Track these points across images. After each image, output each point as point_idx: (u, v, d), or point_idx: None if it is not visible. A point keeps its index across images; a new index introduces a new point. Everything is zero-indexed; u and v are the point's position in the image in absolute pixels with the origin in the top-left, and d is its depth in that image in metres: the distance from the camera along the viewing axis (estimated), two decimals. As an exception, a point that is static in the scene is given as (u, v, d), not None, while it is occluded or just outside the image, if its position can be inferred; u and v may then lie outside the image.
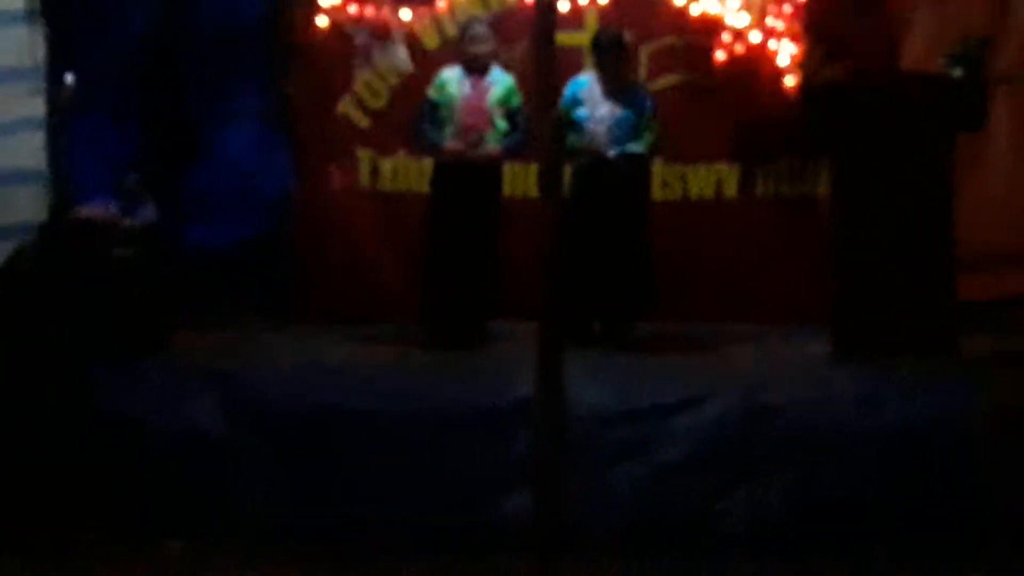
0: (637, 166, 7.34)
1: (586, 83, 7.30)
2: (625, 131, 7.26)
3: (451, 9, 8.12)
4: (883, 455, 5.84)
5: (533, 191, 7.58)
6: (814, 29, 7.77)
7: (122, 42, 8.28)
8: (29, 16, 6.99)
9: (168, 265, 7.30)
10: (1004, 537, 5.60)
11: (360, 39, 8.01)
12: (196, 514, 6.08)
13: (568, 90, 7.12)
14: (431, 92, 7.43)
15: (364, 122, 8.41)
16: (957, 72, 6.71)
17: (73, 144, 7.29)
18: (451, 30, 7.95)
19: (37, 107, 7.06)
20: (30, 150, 7.00)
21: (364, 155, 8.46)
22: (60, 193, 7.12)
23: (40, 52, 7.06)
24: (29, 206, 6.96)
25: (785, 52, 7.73)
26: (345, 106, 8.39)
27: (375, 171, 8.45)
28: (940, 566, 5.47)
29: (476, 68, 7.39)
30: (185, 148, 8.42)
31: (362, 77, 8.29)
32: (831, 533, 5.73)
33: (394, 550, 5.74)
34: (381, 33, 7.95)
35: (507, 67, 7.66)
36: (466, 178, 7.25)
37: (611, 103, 7.28)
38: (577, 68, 7.37)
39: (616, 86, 7.32)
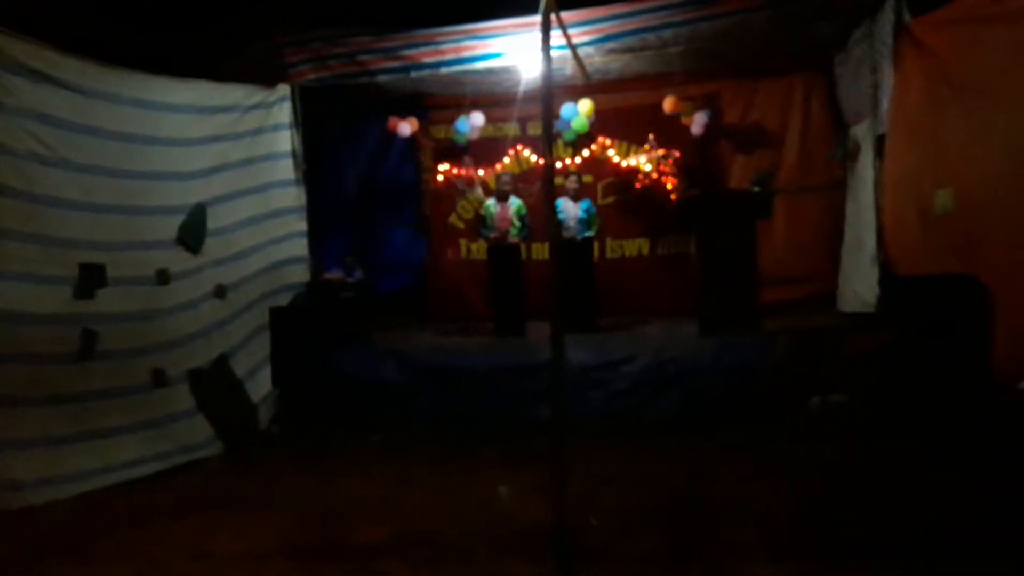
0: (588, 242, 7.32)
1: (562, 202, 7.25)
2: (583, 224, 7.27)
3: (502, 168, 8.21)
4: (723, 380, 5.83)
5: (545, 255, 7.73)
6: (682, 170, 7.68)
7: (341, 193, 8.41)
8: (297, 182, 7.05)
9: (369, 300, 7.30)
10: (784, 420, 5.58)
11: (458, 186, 8.11)
12: (386, 420, 6.13)
13: (556, 205, 7.07)
14: (481, 211, 7.47)
15: (461, 225, 8.45)
16: (756, 188, 6.65)
17: (319, 244, 7.38)
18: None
19: (302, 225, 7.05)
20: (299, 247, 7.02)
21: (462, 242, 8.51)
22: (314, 267, 7.19)
23: (303, 198, 7.10)
24: (300, 274, 6.99)
25: (669, 182, 7.67)
26: (452, 219, 8.43)
27: (467, 250, 8.51)
28: (749, 435, 5.42)
29: (502, 197, 7.42)
30: (375, 243, 8.55)
31: (460, 203, 8.34)
32: (699, 421, 5.73)
33: (480, 434, 5.79)
34: (468, 181, 8.04)
35: (529, 195, 7.71)
36: (502, 253, 7.20)
37: (576, 208, 7.27)
38: (560, 195, 7.34)
39: (576, 199, 7.31)
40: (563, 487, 3.65)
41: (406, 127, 8.00)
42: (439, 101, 8.25)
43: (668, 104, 7.46)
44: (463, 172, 7.95)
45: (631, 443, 5.47)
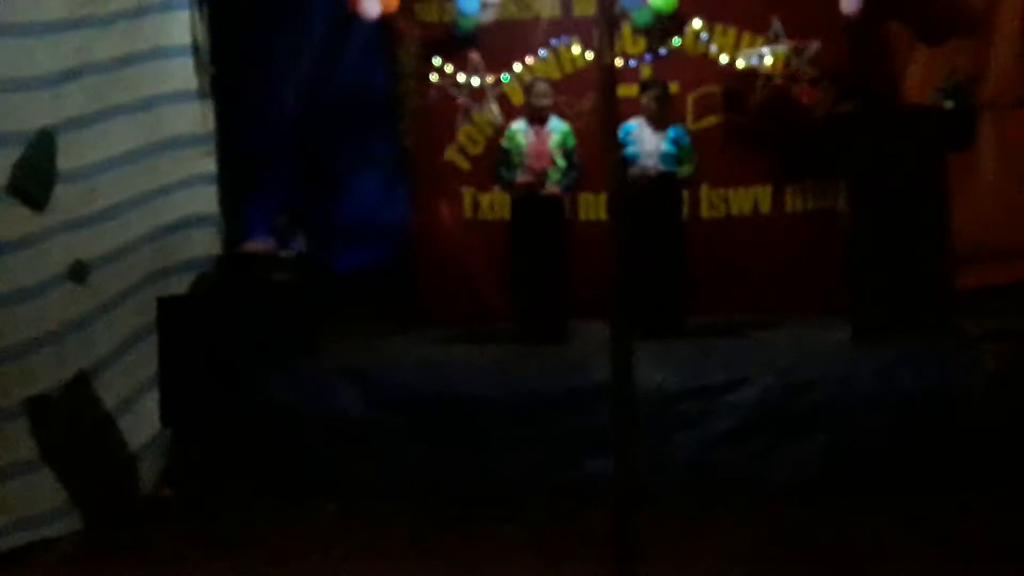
0: (675, 189, 7.34)
1: (634, 126, 7.24)
2: (669, 163, 7.24)
3: (532, 71, 8.16)
4: (896, 418, 5.80)
5: (601, 213, 7.78)
6: (828, 73, 7.66)
7: (273, 112, 8.43)
8: (201, 94, 7.10)
9: (316, 285, 7.31)
10: (995, 480, 5.57)
11: (461, 99, 8.05)
12: (344, 480, 6.16)
13: (620, 132, 7.06)
14: (503, 142, 7.45)
15: (466, 166, 8.42)
16: (948, 103, 6.67)
17: (236, 194, 7.40)
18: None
19: (210, 165, 7.14)
20: (206, 199, 7.09)
21: (466, 192, 8.47)
22: (229, 232, 7.21)
23: (210, 121, 7.16)
24: (206, 243, 7.04)
25: (806, 93, 7.64)
26: (450, 154, 8.39)
27: (475, 204, 8.50)
28: (940, 506, 5.42)
29: (538, 118, 7.38)
30: (326, 193, 8.53)
31: (463, 130, 8.31)
32: (855, 483, 5.72)
33: (495, 503, 5.80)
34: (477, 94, 7.99)
35: (578, 116, 7.67)
36: (535, 209, 7.23)
37: (656, 138, 7.25)
38: (628, 115, 7.29)
39: (658, 124, 7.29)
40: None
41: (374, 4, 7.92)
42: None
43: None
44: (469, 78, 7.89)
45: (741, 520, 5.48)
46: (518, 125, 7.45)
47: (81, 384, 5.97)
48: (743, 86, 7.87)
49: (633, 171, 7.12)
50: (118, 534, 5.67)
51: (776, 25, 7.61)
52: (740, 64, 7.82)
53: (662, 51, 7.96)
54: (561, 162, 7.31)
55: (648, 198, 7.03)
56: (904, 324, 6.30)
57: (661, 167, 7.23)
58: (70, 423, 5.83)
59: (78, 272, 6.03)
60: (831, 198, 7.89)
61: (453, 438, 6.17)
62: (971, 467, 5.65)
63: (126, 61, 6.51)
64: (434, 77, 8.04)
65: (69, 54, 6.08)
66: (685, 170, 7.35)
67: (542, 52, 8.02)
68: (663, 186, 7.22)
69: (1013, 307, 6.99)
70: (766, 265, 8.01)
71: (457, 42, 8.18)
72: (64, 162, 5.97)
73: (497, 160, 7.52)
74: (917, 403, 5.83)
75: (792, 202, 8.18)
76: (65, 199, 5.96)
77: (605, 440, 4.85)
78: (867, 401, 5.88)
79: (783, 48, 7.60)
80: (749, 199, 8.24)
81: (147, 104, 6.69)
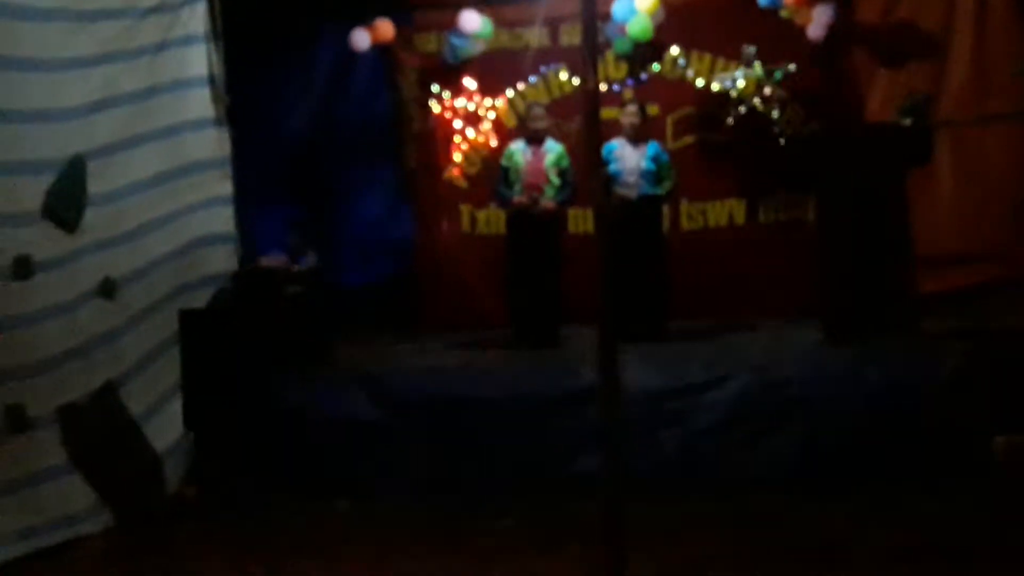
0: (656, 205, 7.30)
1: (616, 145, 7.20)
2: (650, 179, 7.21)
3: (523, 96, 8.18)
4: (863, 413, 5.78)
5: (589, 227, 7.70)
6: (797, 95, 7.68)
7: (284, 137, 8.49)
8: (218, 121, 7.11)
9: (326, 297, 7.30)
10: (958, 471, 5.55)
11: (457, 123, 8.07)
12: (355, 479, 6.14)
13: (604, 150, 7.03)
14: (502, 161, 7.39)
15: (464, 184, 8.45)
16: (907, 121, 6.63)
17: (251, 214, 7.40)
18: (523, 111, 7.93)
19: (227, 187, 7.14)
20: (223, 219, 7.09)
21: (464, 209, 8.52)
22: (245, 249, 7.21)
23: (227, 147, 7.16)
24: (224, 260, 7.03)
25: (777, 114, 7.64)
26: (450, 173, 8.41)
27: (473, 220, 8.52)
28: (907, 495, 5.40)
29: (535, 139, 7.36)
30: (335, 212, 8.54)
31: (461, 151, 8.34)
32: (827, 474, 5.68)
33: (494, 499, 5.78)
34: (473, 118, 8.00)
35: (565, 136, 7.68)
36: (530, 224, 7.19)
37: (637, 155, 7.22)
38: (611, 135, 7.28)
39: (636, 141, 7.27)
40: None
41: (364, 37, 7.95)
42: (428, -2, 8.28)
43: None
44: (465, 104, 7.94)
45: (723, 510, 5.45)
46: (516, 145, 7.41)
47: (109, 392, 5.97)
48: (718, 108, 7.85)
49: (616, 192, 7.09)
50: (147, 531, 5.67)
51: (748, 51, 7.60)
52: (715, 87, 7.83)
53: (643, 76, 7.98)
54: (555, 180, 7.28)
55: (630, 216, 7.02)
56: (871, 326, 6.26)
57: (642, 183, 7.19)
58: (99, 429, 5.83)
59: (107, 289, 6.06)
60: (801, 210, 7.91)
61: (455, 438, 6.13)
62: (936, 459, 5.59)
63: (150, 92, 6.54)
64: (433, 103, 8.06)
65: (98, 87, 6.13)
66: (665, 186, 7.31)
67: (532, 78, 8.05)
68: (643, 206, 7.19)
69: (972, 309, 6.96)
70: (742, 272, 8.00)
71: (454, 70, 8.22)
72: (94, 187, 6.00)
73: (496, 178, 7.49)
74: (884, 399, 5.78)
75: (765, 214, 8.19)
76: (95, 221, 5.99)
77: (594, 438, 4.89)
78: (838, 397, 5.84)
79: (756, 72, 7.59)
80: (725, 212, 8.26)
81: (169, 132, 6.71)
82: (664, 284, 7.24)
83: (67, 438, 5.63)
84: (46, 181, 5.69)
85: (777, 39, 7.66)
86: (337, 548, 5.24)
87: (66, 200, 5.81)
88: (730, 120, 7.78)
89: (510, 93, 8.03)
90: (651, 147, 7.34)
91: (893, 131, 6.68)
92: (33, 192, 5.62)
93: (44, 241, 5.64)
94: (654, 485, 5.48)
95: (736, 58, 7.71)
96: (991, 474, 5.49)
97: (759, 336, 7.09)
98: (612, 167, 7.15)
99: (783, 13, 7.58)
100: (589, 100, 3.88)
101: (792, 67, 7.59)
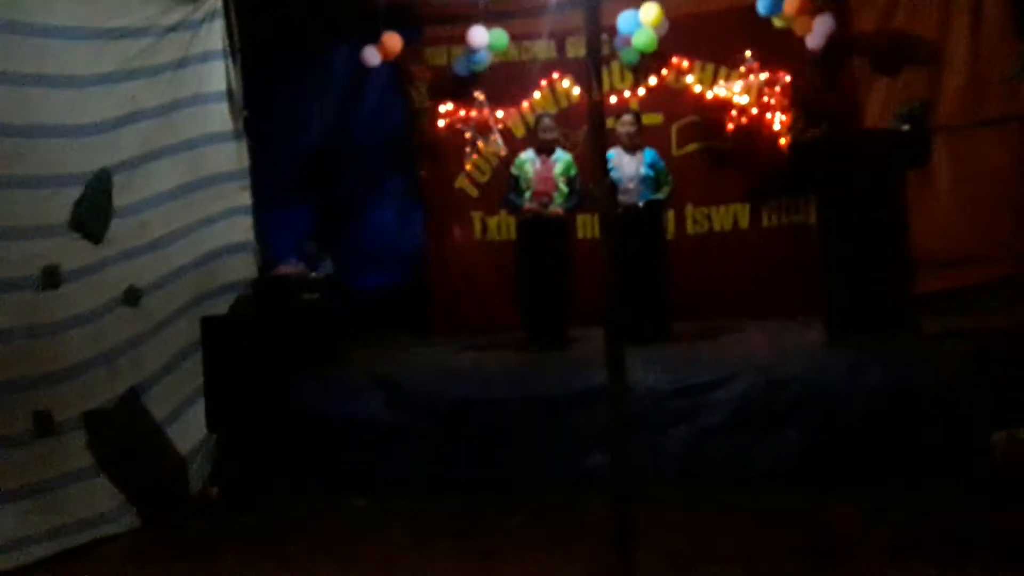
0: (656, 210, 7.30)
1: (613, 154, 7.20)
2: (649, 185, 7.23)
3: (532, 107, 8.21)
4: (863, 411, 5.76)
5: (595, 232, 7.77)
6: (797, 102, 7.69)
7: (300, 149, 8.51)
8: (236, 135, 7.12)
9: (342, 303, 7.33)
10: (959, 467, 5.53)
11: (468, 133, 8.09)
12: (371, 478, 6.14)
13: None
14: (513, 169, 7.42)
15: (474, 192, 8.50)
16: (904, 126, 6.61)
17: (269, 223, 7.43)
18: (532, 122, 7.95)
19: (245, 198, 7.13)
20: (242, 229, 7.08)
21: (476, 216, 8.55)
22: (263, 257, 7.23)
23: (245, 159, 7.16)
24: (243, 268, 7.03)
25: (777, 120, 7.65)
26: (461, 182, 8.45)
27: (484, 227, 8.55)
28: (908, 492, 5.39)
29: (545, 149, 7.38)
30: (350, 220, 8.58)
31: (472, 160, 8.36)
32: (830, 472, 5.66)
33: (506, 496, 5.79)
34: (483, 128, 8.02)
35: (573, 145, 7.69)
36: (540, 229, 7.21)
37: (635, 163, 7.24)
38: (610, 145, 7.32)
39: (632, 149, 7.29)
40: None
41: (374, 54, 7.98)
42: (437, 12, 8.29)
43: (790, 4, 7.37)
44: (476, 114, 7.96)
45: (728, 506, 5.44)
46: (527, 155, 7.43)
47: (133, 397, 5.99)
48: (721, 115, 7.87)
49: (621, 200, 7.09)
50: (171, 530, 5.68)
51: (749, 59, 7.63)
52: (718, 95, 7.83)
53: (650, 83, 8.01)
54: (564, 188, 7.30)
55: (633, 222, 7.03)
56: (872, 326, 6.23)
57: (641, 189, 7.20)
58: (124, 433, 5.85)
59: (132, 297, 6.09)
60: (803, 214, 7.92)
61: (468, 437, 6.13)
62: (936, 455, 5.56)
63: (171, 107, 6.57)
64: (444, 112, 8.09)
65: (123, 102, 6.16)
66: (665, 191, 7.32)
67: (537, 93, 8.15)
68: (646, 212, 7.19)
69: (970, 308, 6.95)
70: (746, 275, 8.02)
71: (463, 82, 8.26)
72: (119, 199, 6.04)
73: (507, 186, 7.51)
74: (886, 397, 5.75)
75: (768, 218, 8.19)
76: (120, 232, 6.03)
77: (602, 438, 4.91)
78: (840, 396, 5.81)
79: (757, 80, 7.61)
80: (729, 216, 8.27)
81: (190, 145, 6.72)
82: (669, 287, 7.26)
83: (93, 442, 5.67)
84: (73, 194, 5.74)
85: (777, 48, 7.68)
86: (353, 546, 5.23)
87: (93, 212, 5.85)
88: (731, 127, 7.80)
89: (524, 104, 8.08)
90: (648, 154, 7.36)
91: (891, 136, 6.66)
92: (61, 204, 5.67)
93: (71, 252, 5.69)
94: (661, 483, 5.50)
95: (737, 67, 7.74)
96: (990, 471, 5.47)
97: (763, 337, 7.07)
98: (612, 175, 7.15)
99: (783, 23, 7.59)
100: (594, 111, 3.90)
101: (788, 78, 7.62)
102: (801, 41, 7.59)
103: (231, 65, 7.03)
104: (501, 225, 8.44)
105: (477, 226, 8.58)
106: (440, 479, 6.07)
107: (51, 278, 5.57)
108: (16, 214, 5.43)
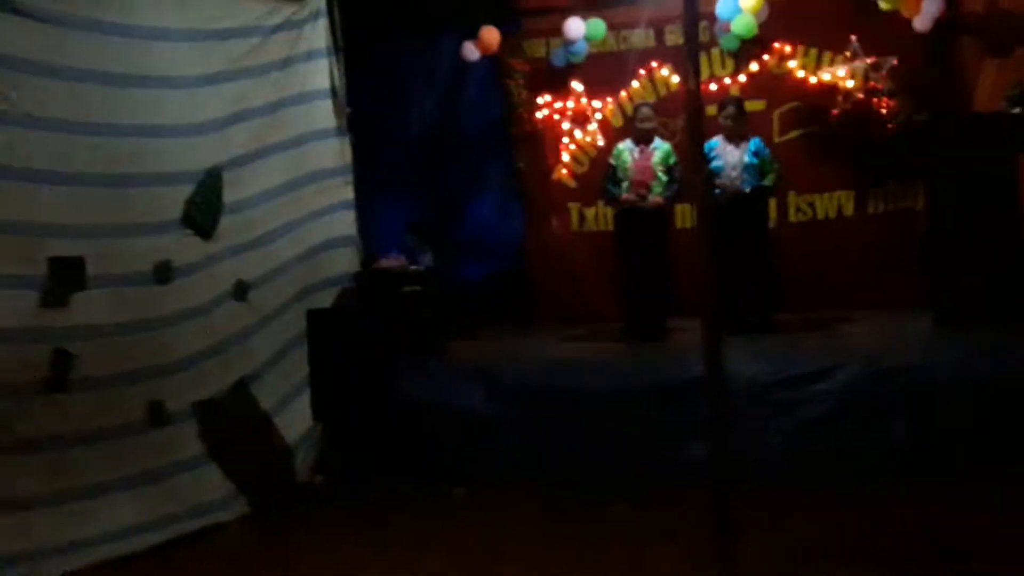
0: (762, 198, 7.22)
1: (716, 143, 7.14)
2: (752, 173, 7.13)
3: (630, 96, 8.15)
4: (974, 400, 5.59)
5: (694, 221, 7.58)
6: (904, 86, 7.51)
7: (401, 144, 8.61)
8: (340, 131, 7.22)
9: (443, 294, 7.37)
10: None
11: (566, 125, 8.08)
12: (472, 467, 6.15)
13: (705, 148, 6.95)
14: (611, 159, 7.39)
15: (572, 184, 8.49)
16: (1016, 109, 6.46)
17: (371, 217, 7.52)
18: (630, 111, 7.91)
19: (348, 193, 7.24)
20: (345, 224, 7.18)
21: (573, 207, 8.56)
22: (366, 251, 7.32)
23: (348, 155, 7.27)
24: (346, 261, 7.13)
25: (884, 105, 7.48)
26: (558, 173, 8.46)
27: (581, 218, 8.55)
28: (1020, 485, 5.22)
29: (643, 139, 7.33)
30: (450, 213, 8.65)
31: (569, 152, 8.35)
32: (938, 464, 5.50)
33: (607, 486, 5.75)
34: (580, 119, 8.00)
35: (672, 134, 7.62)
36: (637, 220, 7.17)
37: (738, 152, 7.15)
38: (717, 131, 7.24)
39: (737, 139, 7.19)
40: (732, 567, 3.57)
41: (473, 49, 8.03)
42: (535, 4, 8.35)
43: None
44: (573, 105, 7.96)
45: (834, 496, 5.35)
46: (624, 144, 7.41)
47: (242, 389, 6.12)
48: (824, 101, 7.74)
49: (722, 183, 7.03)
50: (279, 517, 5.78)
51: (854, 44, 7.51)
52: (823, 80, 7.70)
53: (751, 68, 7.90)
54: (663, 177, 7.25)
55: (736, 209, 6.95)
56: (982, 314, 6.14)
57: (745, 178, 7.10)
58: (234, 422, 5.98)
59: (240, 291, 6.22)
60: (909, 199, 7.74)
61: (566, 428, 6.11)
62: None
63: (278, 105, 6.69)
64: (543, 104, 8.10)
65: (231, 101, 6.30)
66: (770, 179, 7.21)
67: (635, 83, 8.10)
68: (750, 198, 7.10)
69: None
70: (851, 263, 7.90)
71: (561, 73, 8.25)
72: (228, 196, 6.17)
73: (605, 176, 7.47)
74: (996, 387, 5.59)
75: (873, 204, 8.05)
76: (229, 228, 6.15)
77: (702, 428, 4.84)
78: (949, 386, 5.66)
79: (862, 64, 7.48)
80: (833, 203, 8.16)
81: (296, 142, 6.83)
82: (772, 276, 7.17)
83: (204, 431, 5.80)
84: (185, 191, 5.89)
85: (883, 31, 7.54)
86: (455, 535, 5.27)
87: (204, 209, 5.99)
88: (836, 113, 7.66)
89: (622, 94, 8.06)
90: (753, 142, 7.27)
91: (1002, 119, 6.51)
92: (173, 201, 5.82)
93: (183, 248, 5.84)
94: (763, 475, 5.44)
95: (842, 51, 7.63)
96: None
97: (868, 326, 6.96)
98: (714, 163, 7.11)
99: (889, 5, 7.40)
100: (692, 100, 3.84)
101: (894, 60, 7.45)
102: (908, 23, 7.40)
103: (334, 63, 7.15)
104: (599, 216, 8.44)
105: (575, 217, 8.59)
106: (538, 469, 6.07)
107: (163, 273, 5.72)
108: (130, 212, 5.57)
